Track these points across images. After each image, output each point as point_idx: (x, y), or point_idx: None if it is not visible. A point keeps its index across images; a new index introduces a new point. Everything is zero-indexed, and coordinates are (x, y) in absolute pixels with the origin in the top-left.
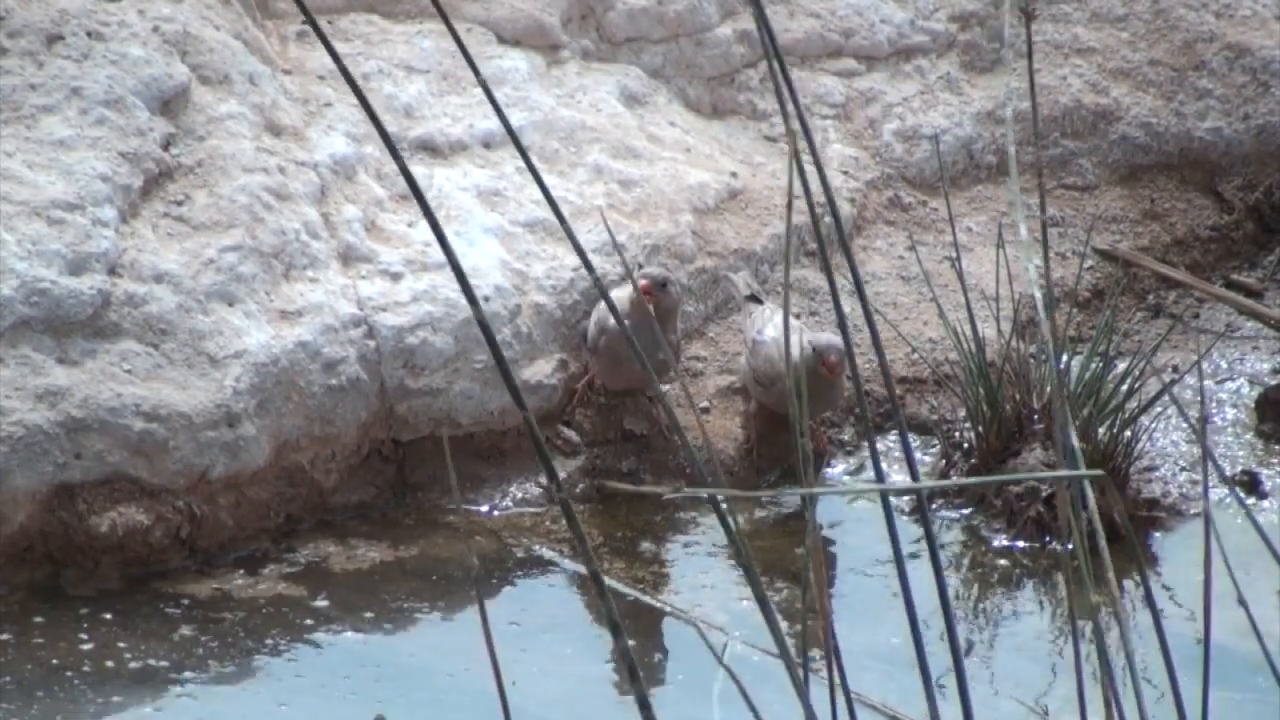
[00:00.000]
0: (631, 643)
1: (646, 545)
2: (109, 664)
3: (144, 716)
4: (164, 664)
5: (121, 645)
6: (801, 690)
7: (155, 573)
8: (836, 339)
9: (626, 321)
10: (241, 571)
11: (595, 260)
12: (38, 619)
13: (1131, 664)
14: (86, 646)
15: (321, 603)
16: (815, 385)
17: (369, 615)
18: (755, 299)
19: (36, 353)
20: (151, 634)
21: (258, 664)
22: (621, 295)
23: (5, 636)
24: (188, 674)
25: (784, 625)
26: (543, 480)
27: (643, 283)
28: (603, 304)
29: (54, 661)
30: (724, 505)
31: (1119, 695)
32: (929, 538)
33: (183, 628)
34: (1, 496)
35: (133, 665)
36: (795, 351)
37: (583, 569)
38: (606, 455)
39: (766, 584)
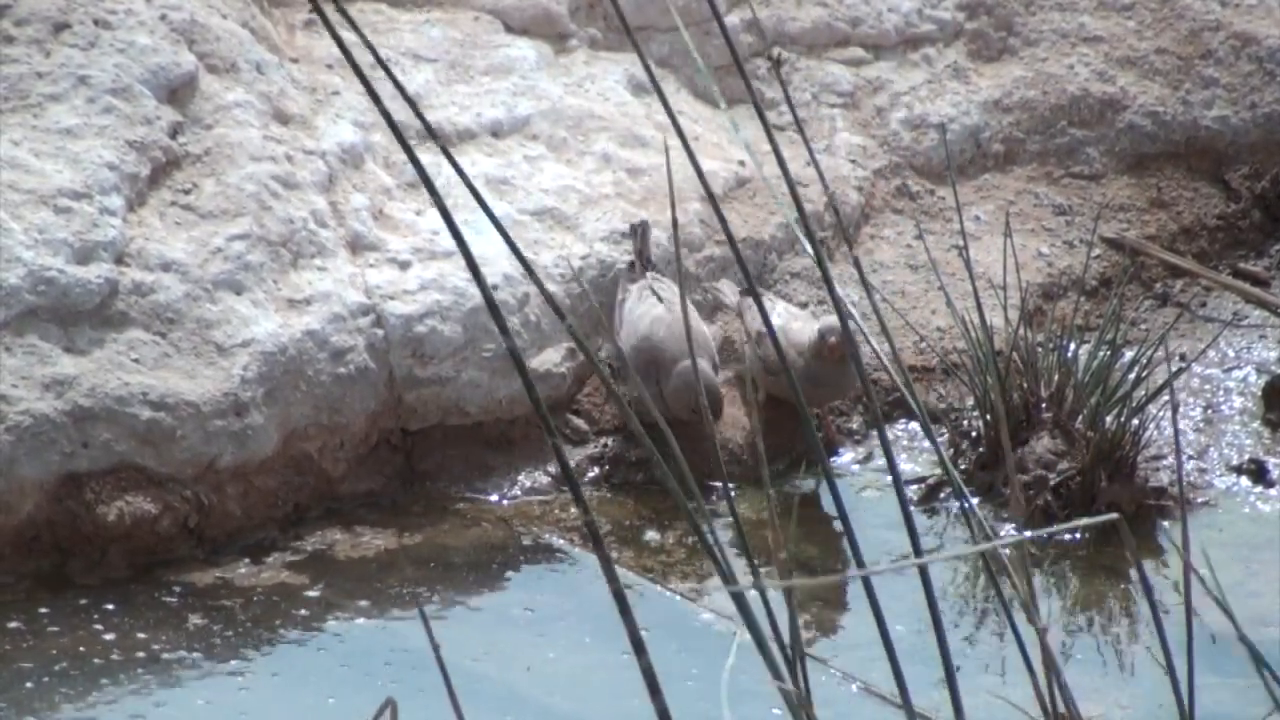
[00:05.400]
0: (645, 632)
1: (654, 535)
2: (139, 654)
3: (198, 710)
4: (196, 654)
5: (141, 636)
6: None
7: (160, 561)
8: (837, 321)
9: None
10: (246, 560)
11: (603, 249)
12: (42, 609)
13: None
14: (108, 637)
15: (324, 591)
16: (823, 370)
17: (377, 602)
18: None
19: (43, 342)
20: (163, 623)
21: (287, 654)
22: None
23: (13, 625)
24: (233, 663)
25: (787, 615)
26: (551, 469)
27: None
28: (631, 316)
29: (80, 649)
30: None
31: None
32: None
33: (191, 617)
34: (8, 486)
35: (166, 657)
36: (805, 338)
37: (594, 557)
38: (615, 444)
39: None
